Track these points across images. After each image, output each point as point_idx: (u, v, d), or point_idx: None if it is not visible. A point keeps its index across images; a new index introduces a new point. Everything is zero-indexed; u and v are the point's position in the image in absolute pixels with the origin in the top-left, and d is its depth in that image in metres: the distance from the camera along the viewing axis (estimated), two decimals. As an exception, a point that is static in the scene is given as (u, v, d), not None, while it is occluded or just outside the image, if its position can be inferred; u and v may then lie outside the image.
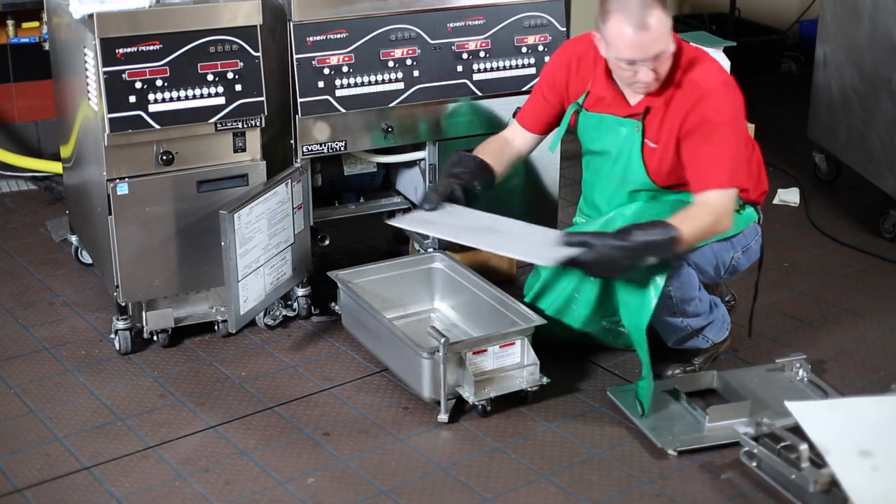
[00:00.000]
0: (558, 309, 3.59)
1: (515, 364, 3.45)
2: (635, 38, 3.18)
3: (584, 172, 3.65)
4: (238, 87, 3.60)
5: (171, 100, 3.52)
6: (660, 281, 3.28)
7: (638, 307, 3.33)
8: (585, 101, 3.50)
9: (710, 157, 3.27)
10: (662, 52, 3.21)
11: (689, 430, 3.33)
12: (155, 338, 3.79)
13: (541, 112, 3.62)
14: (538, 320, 3.48)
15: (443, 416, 3.39)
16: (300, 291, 3.94)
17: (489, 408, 3.41)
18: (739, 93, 3.34)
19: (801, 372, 3.55)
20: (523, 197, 4.12)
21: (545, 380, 3.46)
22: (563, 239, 3.25)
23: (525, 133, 3.66)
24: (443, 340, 3.30)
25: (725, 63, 4.30)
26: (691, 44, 3.44)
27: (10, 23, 4.98)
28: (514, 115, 3.83)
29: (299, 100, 3.69)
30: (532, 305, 3.63)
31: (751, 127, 4.30)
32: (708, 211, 3.26)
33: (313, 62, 3.69)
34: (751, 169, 3.49)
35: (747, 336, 3.82)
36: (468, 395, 3.38)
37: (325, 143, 3.80)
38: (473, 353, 3.38)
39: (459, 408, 3.45)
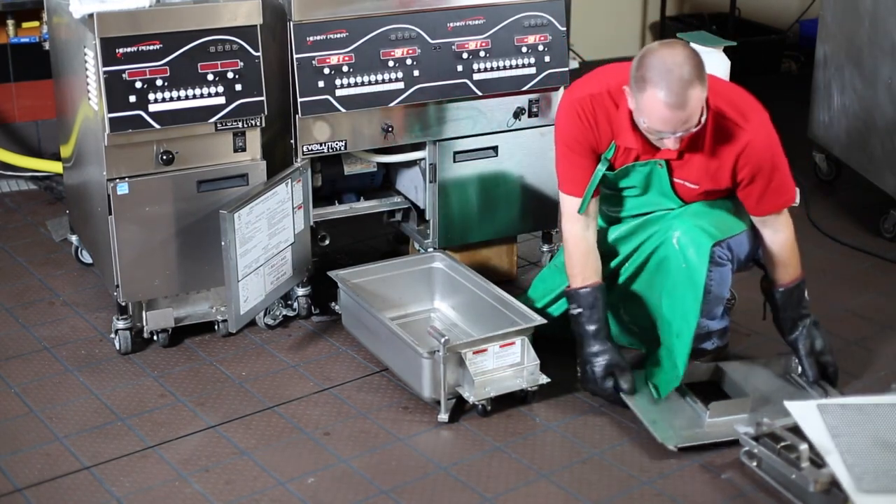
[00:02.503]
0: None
1: (515, 364, 3.45)
2: (671, 116, 3.14)
3: (602, 200, 3.56)
4: (238, 87, 3.59)
5: (171, 99, 3.52)
6: (702, 266, 3.34)
7: (683, 296, 3.37)
8: (613, 156, 3.40)
9: (776, 189, 3.39)
10: (694, 126, 3.19)
11: (690, 425, 3.33)
12: (155, 337, 3.79)
13: (589, 174, 3.43)
14: (538, 320, 3.48)
15: (443, 416, 3.39)
16: (300, 291, 3.94)
17: (489, 407, 3.41)
18: (767, 115, 3.37)
19: (800, 367, 3.56)
20: (523, 197, 4.12)
21: (545, 379, 3.46)
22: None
23: (595, 203, 3.48)
24: (443, 340, 3.30)
25: (725, 63, 4.30)
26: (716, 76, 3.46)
27: (10, 22, 4.99)
28: (561, 189, 3.56)
29: (299, 99, 3.69)
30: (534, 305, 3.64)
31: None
32: (791, 238, 3.48)
33: (313, 62, 3.69)
34: None
35: (762, 319, 3.81)
36: (468, 394, 3.38)
37: (325, 143, 3.80)
38: (473, 353, 3.38)
39: (459, 408, 3.45)
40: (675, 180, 3.42)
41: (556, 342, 3.67)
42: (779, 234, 3.46)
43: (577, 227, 3.46)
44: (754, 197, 3.39)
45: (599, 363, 3.42)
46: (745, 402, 3.36)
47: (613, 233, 3.58)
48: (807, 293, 3.53)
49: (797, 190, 3.45)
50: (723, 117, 3.30)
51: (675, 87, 3.10)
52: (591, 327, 3.44)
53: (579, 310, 3.45)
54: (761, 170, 3.34)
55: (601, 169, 3.41)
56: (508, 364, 3.44)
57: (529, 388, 3.46)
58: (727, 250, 3.42)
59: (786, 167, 3.40)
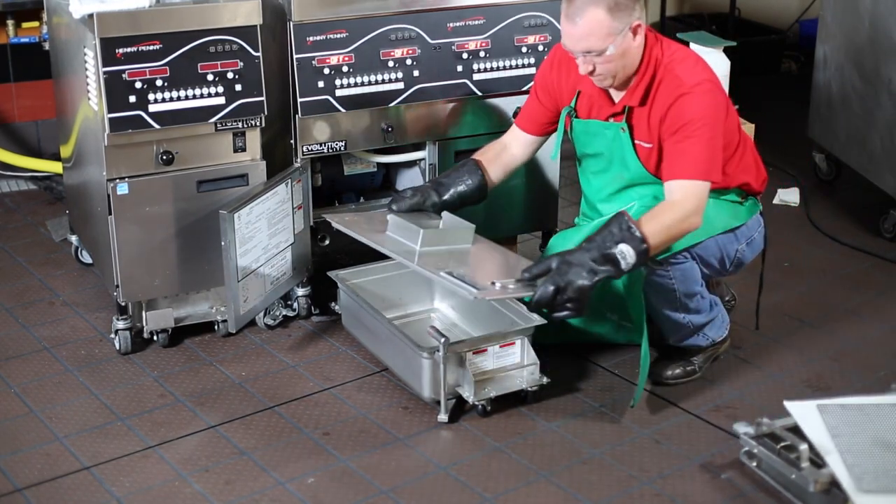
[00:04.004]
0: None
1: (515, 364, 3.45)
2: (565, 28, 3.30)
3: (581, 177, 3.66)
4: (238, 87, 3.60)
5: (171, 100, 3.52)
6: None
7: (633, 296, 3.37)
8: (577, 103, 3.53)
9: (683, 151, 3.29)
10: (592, 50, 3.27)
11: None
12: (155, 338, 3.79)
13: (536, 114, 3.65)
14: (538, 320, 3.47)
15: (443, 416, 3.38)
16: (300, 291, 3.94)
17: (489, 408, 3.41)
18: (718, 91, 3.35)
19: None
20: (523, 197, 4.12)
21: (545, 380, 3.46)
22: (524, 274, 3.21)
23: (523, 135, 3.68)
24: (443, 340, 3.30)
25: (725, 63, 4.30)
26: (683, 44, 3.47)
27: (10, 23, 4.99)
28: (514, 115, 3.88)
29: (299, 100, 3.69)
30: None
31: (751, 127, 4.31)
32: (674, 208, 3.25)
33: (313, 62, 3.69)
34: (746, 161, 3.52)
35: (754, 328, 3.85)
36: (468, 395, 3.38)
37: (325, 143, 3.80)
38: (473, 353, 3.38)
39: (459, 408, 3.45)
40: (637, 142, 3.43)
41: (557, 343, 3.69)
42: (671, 197, 3.27)
43: (507, 137, 3.71)
44: (668, 153, 3.31)
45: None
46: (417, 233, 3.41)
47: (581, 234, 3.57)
48: (631, 255, 3.12)
49: (703, 177, 3.25)
50: (671, 74, 3.33)
51: (577, 1, 3.25)
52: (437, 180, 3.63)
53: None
54: (684, 125, 3.28)
55: (564, 112, 3.55)
56: (508, 364, 3.44)
57: (529, 389, 3.45)
58: (685, 252, 3.40)
59: (710, 143, 3.27)
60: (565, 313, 3.17)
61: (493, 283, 3.20)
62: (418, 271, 3.37)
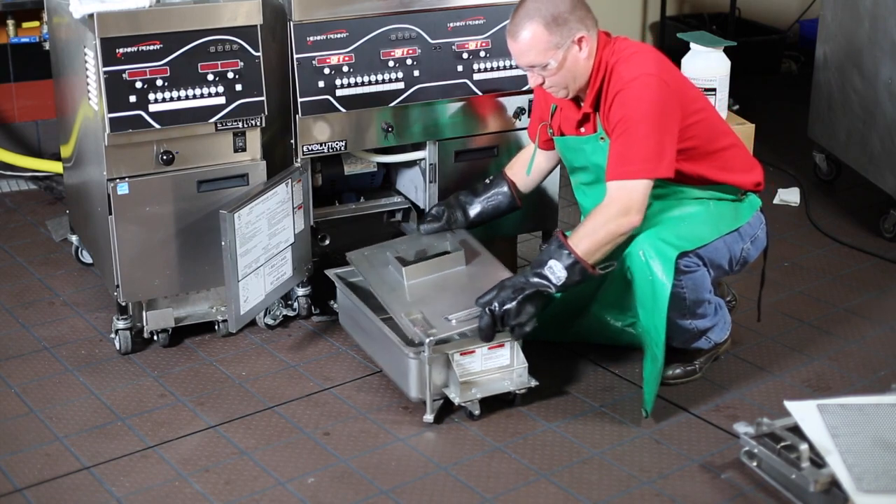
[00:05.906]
0: (561, 311, 3.61)
1: (504, 366, 3.42)
2: (509, 44, 3.37)
3: (576, 191, 3.63)
4: (238, 87, 3.60)
5: (172, 99, 3.52)
6: (666, 280, 3.27)
7: (651, 308, 3.32)
8: (553, 117, 3.56)
9: (615, 150, 3.29)
10: (535, 65, 3.33)
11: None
12: (155, 337, 3.80)
13: (536, 128, 3.69)
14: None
15: (428, 417, 3.37)
16: (300, 291, 3.94)
17: (476, 412, 3.38)
18: (660, 84, 3.26)
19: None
20: (524, 198, 4.11)
21: (534, 382, 3.43)
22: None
23: (538, 149, 3.71)
24: (427, 340, 3.28)
25: (725, 63, 4.30)
26: (639, 41, 3.50)
27: (10, 22, 4.99)
28: (514, 115, 3.96)
29: (299, 99, 3.69)
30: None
31: (751, 127, 4.30)
32: (600, 212, 3.27)
33: (313, 62, 3.69)
34: (731, 161, 3.49)
35: (756, 321, 3.86)
36: (454, 396, 3.36)
37: (325, 143, 3.80)
38: (461, 355, 3.36)
39: (449, 408, 3.43)
40: None
41: (556, 342, 3.68)
42: (605, 200, 3.28)
43: (530, 150, 3.75)
44: (610, 154, 3.31)
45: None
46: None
47: None
48: (559, 269, 3.25)
49: (639, 175, 3.22)
50: (614, 73, 3.33)
51: (516, 17, 3.32)
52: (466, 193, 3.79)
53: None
54: (618, 122, 3.27)
55: (540, 126, 3.63)
56: (497, 366, 3.41)
57: (517, 391, 3.44)
58: (695, 258, 3.38)
59: (645, 138, 3.22)
60: (518, 332, 3.31)
61: (448, 319, 3.36)
62: (388, 309, 3.50)
